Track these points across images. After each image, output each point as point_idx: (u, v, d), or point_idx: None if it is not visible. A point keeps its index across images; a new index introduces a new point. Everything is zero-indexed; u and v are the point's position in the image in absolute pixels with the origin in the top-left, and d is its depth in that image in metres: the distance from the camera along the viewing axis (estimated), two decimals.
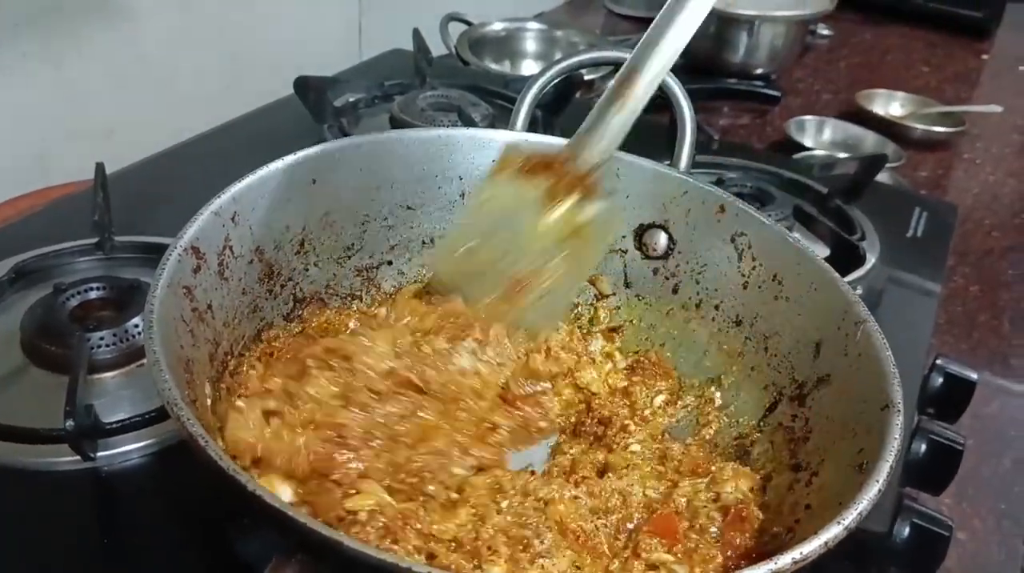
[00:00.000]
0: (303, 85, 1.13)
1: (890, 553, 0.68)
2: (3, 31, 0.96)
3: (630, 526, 0.59)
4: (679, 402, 0.72)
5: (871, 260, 1.00)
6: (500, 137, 0.76)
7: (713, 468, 0.63)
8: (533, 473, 0.63)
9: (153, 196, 0.96)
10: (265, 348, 0.67)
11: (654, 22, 0.63)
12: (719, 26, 1.61)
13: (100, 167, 0.87)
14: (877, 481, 0.47)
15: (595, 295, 0.79)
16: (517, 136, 0.79)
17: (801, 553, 0.43)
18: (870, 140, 1.53)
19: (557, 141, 0.72)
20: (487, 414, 0.62)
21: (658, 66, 0.62)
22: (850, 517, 0.45)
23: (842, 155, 1.44)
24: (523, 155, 0.67)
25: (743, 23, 1.60)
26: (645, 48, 0.63)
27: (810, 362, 0.64)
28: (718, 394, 0.71)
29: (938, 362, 0.87)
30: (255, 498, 0.41)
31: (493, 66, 1.51)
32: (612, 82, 0.64)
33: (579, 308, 0.79)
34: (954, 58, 2.03)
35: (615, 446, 0.67)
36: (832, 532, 0.44)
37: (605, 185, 0.66)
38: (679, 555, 0.55)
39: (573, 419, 0.71)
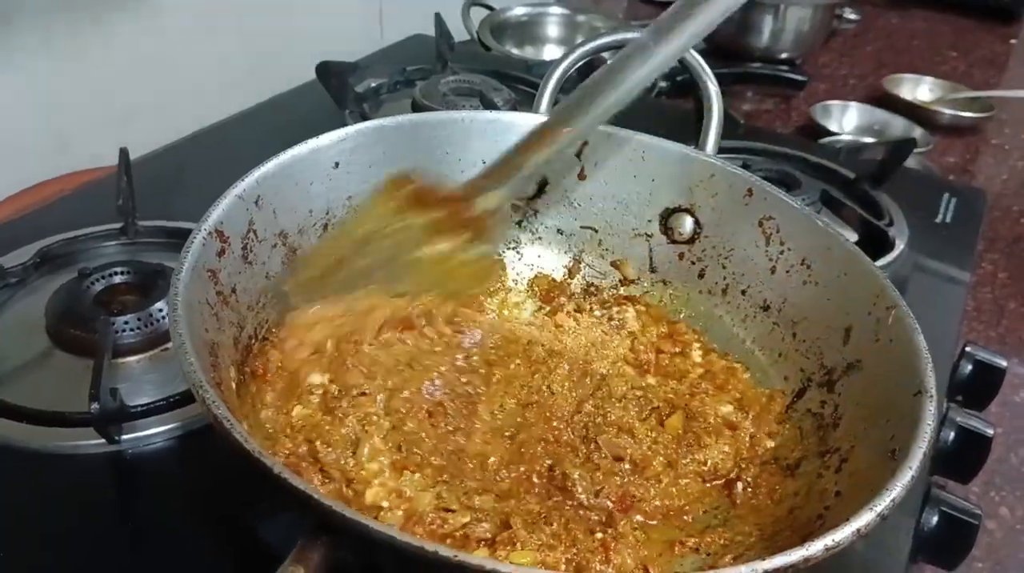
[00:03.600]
0: (325, 71, 1.12)
1: (918, 542, 0.67)
2: (27, 17, 0.96)
3: None
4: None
5: (899, 246, 0.98)
6: (523, 120, 0.76)
7: None
8: None
9: (176, 181, 0.97)
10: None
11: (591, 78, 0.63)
12: (744, 10, 1.59)
13: (124, 152, 0.88)
14: (910, 468, 0.46)
15: (619, 280, 0.78)
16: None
17: (833, 540, 0.42)
18: (897, 125, 1.50)
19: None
20: None
21: (585, 123, 0.62)
22: (883, 504, 0.44)
23: (869, 140, 1.42)
24: (415, 182, 0.65)
25: (768, 7, 1.58)
26: (577, 103, 0.62)
27: (840, 348, 0.63)
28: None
29: (967, 349, 0.85)
30: (281, 481, 0.41)
31: (515, 51, 1.50)
32: (525, 133, 0.63)
33: (603, 293, 0.78)
34: (982, 43, 1.99)
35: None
36: (865, 519, 0.43)
37: (493, 233, 0.65)
38: None
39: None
